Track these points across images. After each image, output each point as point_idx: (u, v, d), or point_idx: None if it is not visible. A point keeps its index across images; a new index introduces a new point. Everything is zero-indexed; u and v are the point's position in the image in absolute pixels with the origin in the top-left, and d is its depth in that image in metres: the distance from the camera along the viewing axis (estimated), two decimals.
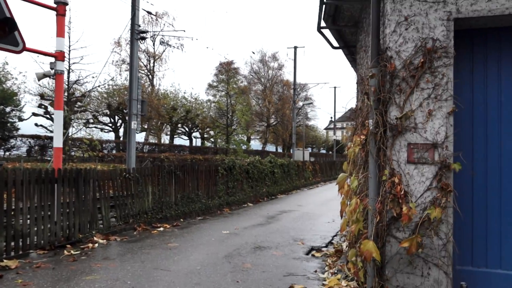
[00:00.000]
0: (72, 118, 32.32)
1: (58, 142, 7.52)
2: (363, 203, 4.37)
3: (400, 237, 3.94)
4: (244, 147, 38.21)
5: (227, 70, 48.48)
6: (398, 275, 3.93)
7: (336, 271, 5.42)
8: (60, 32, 7.81)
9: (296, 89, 39.87)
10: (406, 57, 4.08)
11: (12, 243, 5.89)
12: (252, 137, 56.94)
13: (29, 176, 6.27)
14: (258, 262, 5.66)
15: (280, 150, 61.42)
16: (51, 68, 7.75)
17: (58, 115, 7.70)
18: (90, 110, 37.22)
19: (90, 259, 5.90)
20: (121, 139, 38.59)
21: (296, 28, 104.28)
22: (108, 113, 39.32)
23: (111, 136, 39.07)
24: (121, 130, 40.24)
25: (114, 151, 34.02)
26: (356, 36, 7.00)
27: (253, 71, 59.16)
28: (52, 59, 7.87)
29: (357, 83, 7.36)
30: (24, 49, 6.76)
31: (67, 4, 7.97)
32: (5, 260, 5.55)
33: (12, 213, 5.92)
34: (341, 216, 4.99)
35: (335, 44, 7.51)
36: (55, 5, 7.84)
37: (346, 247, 6.41)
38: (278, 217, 10.02)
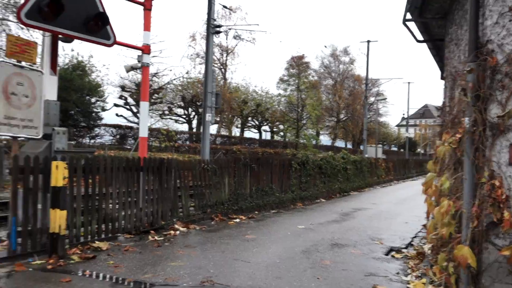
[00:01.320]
0: (150, 109, 33.96)
1: (143, 132, 7.91)
2: (455, 206, 4.12)
3: (499, 245, 3.66)
4: (314, 142, 37.83)
5: (298, 64, 48.19)
6: (497, 284, 3.66)
7: (419, 274, 5.18)
8: (146, 26, 8.17)
9: (368, 84, 38.71)
10: (510, 51, 3.76)
11: (103, 226, 6.30)
12: (321, 132, 56.23)
13: (118, 164, 6.65)
14: (337, 260, 5.56)
15: (349, 146, 60.14)
16: (138, 61, 8.15)
17: (144, 106, 8.09)
18: (166, 102, 38.89)
19: (173, 245, 6.15)
20: (194, 130, 39.93)
21: (368, 22, 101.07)
22: (182, 105, 40.79)
23: (184, 127, 40.57)
24: (194, 122, 41.59)
25: (187, 142, 35.26)
26: (444, 29, 6.59)
27: (323, 65, 58.33)
28: (139, 52, 8.29)
29: (443, 78, 6.95)
30: (115, 42, 7.09)
31: None
32: (96, 242, 5.94)
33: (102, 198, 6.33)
34: (427, 218, 4.73)
35: (420, 37, 7.13)
36: (142, 0, 8.21)
37: (429, 249, 6.11)
38: (353, 214, 9.80)
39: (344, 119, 57.53)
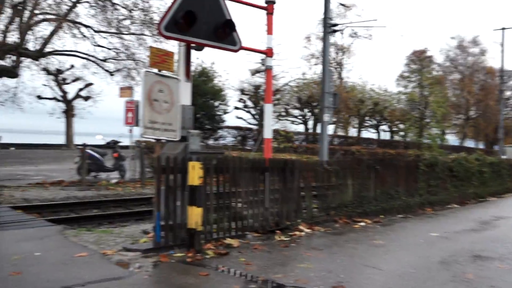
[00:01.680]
0: None
1: (268, 133, 8.10)
2: None
3: None
4: (439, 142, 35.19)
5: (420, 59, 45.32)
6: None
7: None
8: (269, 30, 8.36)
9: (503, 77, 34.74)
10: None
11: (233, 224, 6.58)
12: (447, 131, 52.06)
13: (245, 164, 6.89)
14: (481, 274, 5.02)
15: (481, 146, 54.62)
16: (262, 64, 8.38)
17: (268, 108, 8.28)
18: (282, 104, 39.63)
19: (299, 246, 6.16)
20: (310, 131, 40.00)
21: (502, 7, 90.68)
22: (298, 106, 41.15)
23: (300, 128, 40.89)
24: (310, 123, 41.67)
25: (303, 143, 35.44)
26: None
27: (448, 59, 53.89)
28: (257, 56, 8.54)
29: None
30: (241, 48, 7.35)
31: (275, 2, 8.49)
32: (228, 239, 6.22)
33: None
34: None
35: None
36: (265, 5, 8.43)
37: None
38: (495, 223, 8.81)
39: (474, 116, 52.50)
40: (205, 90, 27.91)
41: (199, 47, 6.53)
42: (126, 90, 14.69)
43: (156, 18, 24.07)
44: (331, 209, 8.41)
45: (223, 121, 30.99)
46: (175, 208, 5.76)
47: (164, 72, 5.92)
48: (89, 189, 12.22)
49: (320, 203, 8.34)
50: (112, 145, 14.99)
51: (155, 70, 5.86)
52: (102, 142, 15.70)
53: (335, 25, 18.10)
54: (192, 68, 29.56)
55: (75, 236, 6.34)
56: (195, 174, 5.57)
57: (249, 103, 37.87)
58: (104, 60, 26.17)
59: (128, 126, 14.50)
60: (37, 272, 4.58)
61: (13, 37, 20.87)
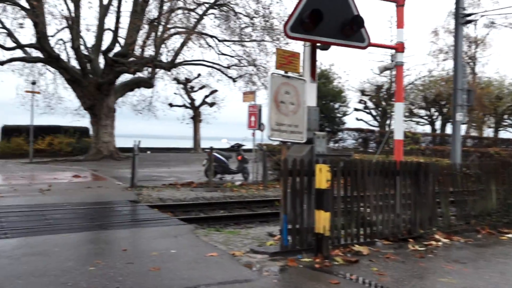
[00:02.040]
0: (391, 111, 33.25)
1: (399, 135, 7.56)
2: None
3: None
4: None
5: None
6: None
7: None
8: (400, 24, 7.82)
9: None
10: None
11: (361, 230, 6.24)
12: None
13: (374, 167, 6.50)
14: None
15: None
16: (391, 60, 7.87)
17: (399, 107, 7.74)
18: (406, 103, 37.41)
19: (438, 258, 5.59)
20: (437, 132, 37.06)
21: None
22: (424, 105, 38.47)
23: (426, 129, 38.16)
24: (437, 123, 38.66)
25: (431, 145, 32.98)
26: None
27: None
28: (389, 52, 8.01)
29: None
30: (369, 44, 6.97)
31: None
32: (356, 245, 5.92)
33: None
34: None
35: None
36: None
37: None
38: None
39: None
40: (325, 92, 27.64)
41: (325, 46, 6.36)
42: (249, 95, 15.16)
43: (276, 23, 24.65)
44: (472, 218, 7.54)
45: (343, 123, 30.39)
46: (302, 212, 5.65)
47: (290, 74, 5.86)
48: (215, 190, 12.82)
49: (458, 210, 7.53)
50: (236, 148, 15.59)
51: (282, 72, 5.83)
52: (227, 146, 16.43)
53: (469, 15, 16.37)
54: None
55: (205, 236, 6.62)
56: (322, 177, 5.39)
57: (370, 104, 36.55)
58: (228, 67, 27.49)
59: (251, 130, 14.93)
60: (173, 268, 4.84)
61: (149, 51, 23.09)
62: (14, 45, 23.08)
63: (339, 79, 31.94)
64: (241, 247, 5.95)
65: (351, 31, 6.22)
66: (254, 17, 24.84)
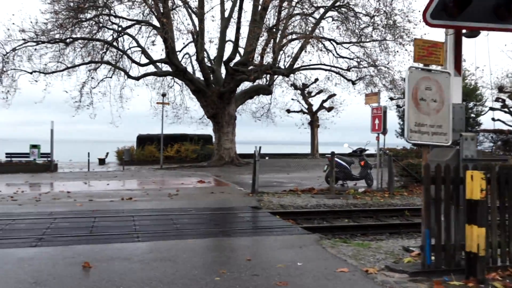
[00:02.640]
0: None
1: None
2: None
3: None
4: None
5: None
6: None
7: None
8: None
9: None
10: None
11: None
12: None
13: None
14: None
15: None
16: None
17: None
18: None
19: None
20: None
21: None
22: None
23: None
24: None
25: None
26: None
27: None
28: None
29: None
30: None
31: None
32: None
33: None
34: None
35: None
36: None
37: None
38: None
39: None
40: None
41: (473, 33, 5.46)
42: (371, 97, 14.29)
43: (399, 20, 23.14)
44: None
45: (478, 124, 27.33)
46: (449, 226, 4.83)
47: (431, 67, 5.11)
48: (337, 197, 12.22)
49: None
50: (359, 153, 14.79)
51: (421, 65, 5.11)
52: (349, 151, 15.69)
53: None
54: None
55: (332, 247, 6.12)
56: (475, 186, 4.53)
57: (509, 102, 32.32)
58: (348, 70, 26.61)
59: (375, 133, 14.02)
60: (301, 284, 4.44)
61: (267, 58, 23.42)
62: (147, 61, 25.25)
63: (472, 76, 28.87)
64: (374, 263, 5.34)
65: (508, 12, 5.22)
66: (374, 15, 23.67)
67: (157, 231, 7.17)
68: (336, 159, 13.49)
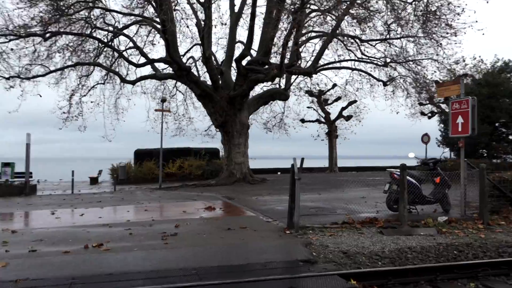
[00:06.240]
0: None
1: None
2: None
3: None
4: None
5: None
6: None
7: None
8: None
9: None
10: None
11: None
12: None
13: None
14: None
15: None
16: None
17: None
18: None
19: None
20: None
21: None
22: None
23: None
24: None
25: None
26: None
27: None
28: None
29: None
30: None
31: None
32: None
33: None
34: None
35: None
36: None
37: None
38: None
39: None
40: (511, 89, 20.97)
41: None
42: (449, 86, 10.16)
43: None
44: None
45: None
46: None
47: None
48: (418, 233, 8.10)
49: None
50: (432, 166, 10.53)
51: None
52: (417, 162, 11.47)
53: None
54: (487, 65, 23.03)
55: None
56: None
57: None
58: (385, 65, 22.51)
59: (456, 137, 9.90)
60: None
61: (286, 56, 19.39)
62: (145, 61, 21.36)
63: None
64: None
65: None
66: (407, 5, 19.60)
67: None
68: (408, 177, 9.32)
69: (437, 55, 20.41)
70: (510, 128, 22.35)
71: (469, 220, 9.38)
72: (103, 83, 22.58)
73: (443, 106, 27.30)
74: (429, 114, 29.52)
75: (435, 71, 21.34)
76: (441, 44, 19.93)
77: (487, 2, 17.41)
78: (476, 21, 20.98)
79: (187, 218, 9.76)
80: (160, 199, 14.77)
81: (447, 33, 19.39)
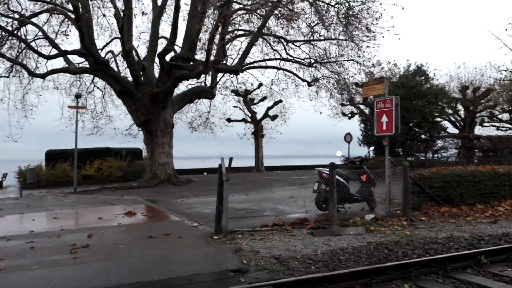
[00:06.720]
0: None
1: None
2: None
3: None
4: None
5: None
6: None
7: None
8: None
9: None
10: None
11: None
12: None
13: None
14: None
15: None
16: None
17: None
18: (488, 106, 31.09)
19: None
20: None
21: None
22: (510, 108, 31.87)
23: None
24: None
25: None
26: None
27: None
28: None
29: None
30: None
31: None
32: None
33: None
34: None
35: None
36: None
37: None
38: None
39: None
40: (423, 92, 22.24)
41: None
42: (374, 85, 10.24)
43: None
44: None
45: (443, 129, 24.76)
46: None
47: None
48: (348, 233, 7.97)
49: None
50: (358, 165, 10.57)
51: None
52: (341, 161, 11.47)
53: None
54: (400, 69, 24.08)
55: None
56: None
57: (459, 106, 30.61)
58: (310, 65, 22.69)
59: (380, 135, 9.99)
60: None
61: (212, 52, 18.77)
62: (56, 52, 19.53)
63: (435, 78, 26.41)
64: None
65: None
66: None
67: None
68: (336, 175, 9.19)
69: (358, 56, 21.01)
70: (422, 128, 23.69)
71: (394, 217, 9.50)
72: (7, 76, 20.37)
73: (362, 107, 28.38)
74: (349, 115, 30.63)
75: (355, 74, 21.98)
76: (361, 47, 20.54)
77: (403, 8, 18.25)
78: (393, 26, 21.90)
79: (103, 226, 8.81)
80: (74, 204, 13.43)
81: (367, 37, 20.03)
